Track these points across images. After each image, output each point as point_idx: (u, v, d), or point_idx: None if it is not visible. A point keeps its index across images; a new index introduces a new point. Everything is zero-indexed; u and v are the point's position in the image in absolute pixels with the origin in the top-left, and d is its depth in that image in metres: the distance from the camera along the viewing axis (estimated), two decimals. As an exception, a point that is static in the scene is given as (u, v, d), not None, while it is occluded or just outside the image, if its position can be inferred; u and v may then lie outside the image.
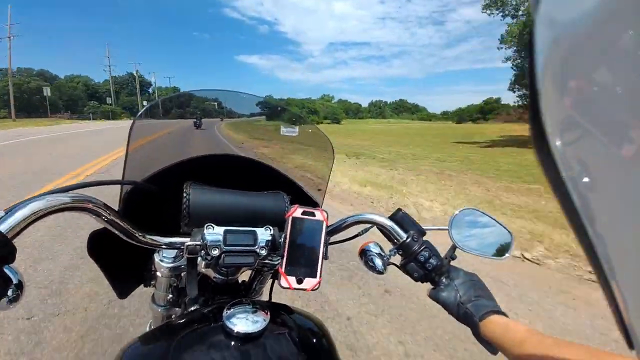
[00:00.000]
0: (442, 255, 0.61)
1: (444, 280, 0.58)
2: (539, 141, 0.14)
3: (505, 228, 0.65)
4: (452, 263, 0.61)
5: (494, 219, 0.65)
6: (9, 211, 0.40)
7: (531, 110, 0.15)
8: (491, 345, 0.50)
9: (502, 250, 0.64)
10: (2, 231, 0.38)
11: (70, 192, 0.47)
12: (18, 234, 0.40)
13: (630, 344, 0.14)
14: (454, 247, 0.62)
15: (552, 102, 0.14)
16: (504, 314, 0.52)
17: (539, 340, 0.42)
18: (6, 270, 0.39)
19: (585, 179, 0.14)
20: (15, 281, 0.40)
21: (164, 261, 0.64)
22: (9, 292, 0.39)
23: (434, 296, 0.58)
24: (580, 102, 0.13)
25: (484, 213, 0.65)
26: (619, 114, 0.12)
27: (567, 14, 0.13)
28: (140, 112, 0.70)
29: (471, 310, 0.52)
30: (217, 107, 0.99)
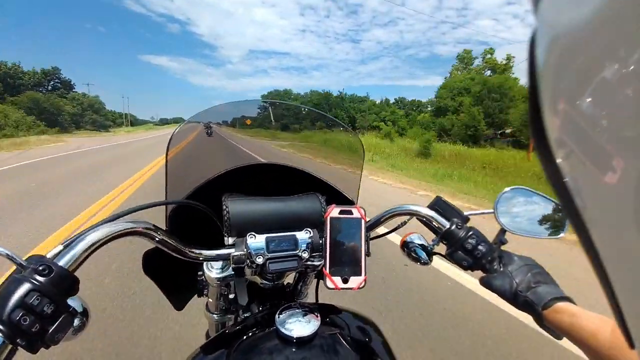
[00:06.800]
0: (491, 240, 0.58)
1: (495, 266, 0.55)
2: (539, 139, 0.14)
3: (556, 203, 0.60)
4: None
5: (543, 195, 0.61)
6: (68, 245, 0.42)
7: (531, 110, 0.15)
8: (556, 332, 0.47)
9: (556, 228, 0.60)
10: (63, 266, 0.39)
11: (120, 219, 0.49)
12: (78, 266, 0.41)
13: (631, 344, 0.14)
14: (503, 231, 0.59)
15: (552, 103, 0.14)
16: (570, 300, 0.48)
17: (614, 329, 0.38)
18: (70, 302, 0.40)
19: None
20: (80, 310, 0.41)
21: (212, 272, 0.67)
22: (75, 322, 0.40)
23: (486, 284, 0.55)
24: (581, 104, 0.13)
25: (531, 191, 0.61)
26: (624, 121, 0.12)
27: (567, 15, 0.13)
28: (176, 128, 0.73)
29: (532, 299, 0.49)
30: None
